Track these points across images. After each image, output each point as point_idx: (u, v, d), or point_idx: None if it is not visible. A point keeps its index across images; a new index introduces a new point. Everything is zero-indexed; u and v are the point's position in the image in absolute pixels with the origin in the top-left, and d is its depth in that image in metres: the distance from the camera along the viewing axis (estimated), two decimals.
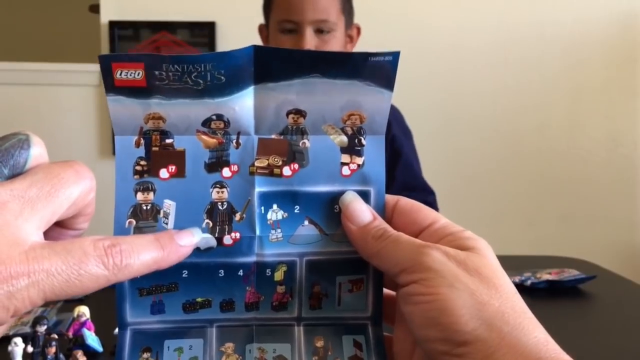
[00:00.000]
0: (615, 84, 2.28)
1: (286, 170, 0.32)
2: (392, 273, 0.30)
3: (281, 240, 0.32)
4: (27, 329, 0.76)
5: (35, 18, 3.84)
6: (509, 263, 1.28)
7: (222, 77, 0.31)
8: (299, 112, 0.32)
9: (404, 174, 1.28)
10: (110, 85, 0.31)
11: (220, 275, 0.32)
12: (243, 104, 0.32)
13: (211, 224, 0.32)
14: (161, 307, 0.32)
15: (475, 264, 0.29)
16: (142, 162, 0.32)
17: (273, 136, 0.32)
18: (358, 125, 0.33)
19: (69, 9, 3.74)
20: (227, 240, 0.32)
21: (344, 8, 1.22)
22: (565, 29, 2.25)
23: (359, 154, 0.33)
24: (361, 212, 0.32)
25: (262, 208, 0.32)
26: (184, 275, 0.32)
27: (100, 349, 0.71)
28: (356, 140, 0.33)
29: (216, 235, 0.32)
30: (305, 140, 0.33)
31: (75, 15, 3.65)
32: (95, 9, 2.42)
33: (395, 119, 1.32)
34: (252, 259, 0.32)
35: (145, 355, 0.32)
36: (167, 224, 0.32)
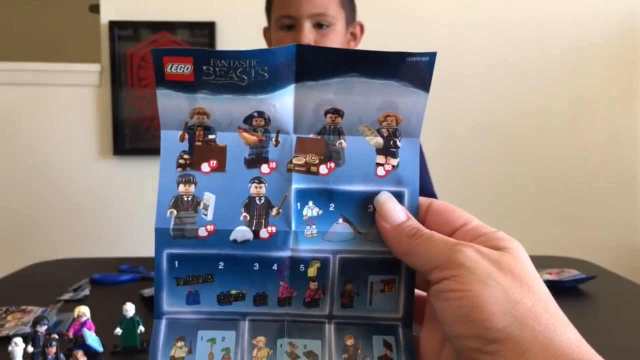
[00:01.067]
0: (615, 85, 2.28)
1: (322, 169, 0.33)
2: (425, 271, 0.30)
3: (316, 237, 0.33)
4: (27, 329, 0.76)
5: (35, 18, 3.84)
6: None
7: (266, 74, 0.32)
8: (337, 112, 0.33)
9: None
10: (161, 79, 0.32)
11: (255, 268, 0.33)
12: (283, 102, 0.33)
13: (248, 218, 0.33)
14: (196, 298, 0.33)
15: (508, 264, 0.29)
16: (185, 156, 0.33)
17: (311, 136, 0.33)
18: (394, 127, 0.34)
19: (69, 9, 3.74)
20: (264, 233, 0.33)
21: (342, 3, 1.21)
22: (565, 31, 2.25)
23: (394, 155, 0.34)
24: (395, 211, 0.32)
25: (299, 204, 0.33)
26: (219, 267, 0.33)
27: (100, 349, 0.71)
28: (391, 142, 0.34)
29: (253, 228, 0.33)
30: (342, 141, 0.34)
31: (75, 15, 3.65)
32: (95, 9, 2.42)
33: None
34: (286, 253, 0.33)
35: (179, 344, 0.32)
36: (206, 215, 0.33)
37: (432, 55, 0.33)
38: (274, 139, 0.33)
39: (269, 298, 0.33)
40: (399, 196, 0.33)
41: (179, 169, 0.33)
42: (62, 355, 0.65)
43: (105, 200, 2.22)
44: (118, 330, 0.71)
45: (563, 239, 2.23)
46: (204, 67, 0.32)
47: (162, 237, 0.33)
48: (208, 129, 0.33)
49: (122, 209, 2.22)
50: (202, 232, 0.33)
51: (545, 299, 0.29)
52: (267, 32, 1.30)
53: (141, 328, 0.72)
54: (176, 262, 0.33)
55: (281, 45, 1.33)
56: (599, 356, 0.28)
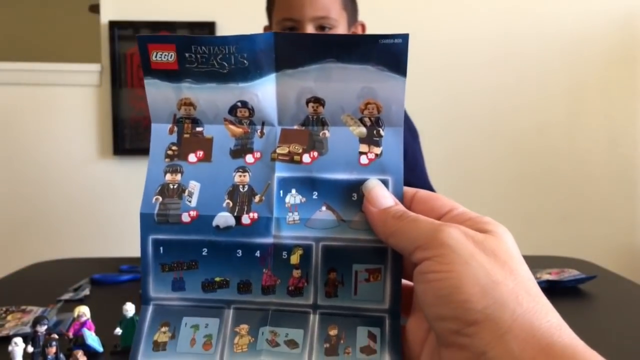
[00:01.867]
0: (615, 84, 2.28)
1: (306, 158, 0.34)
2: (409, 251, 0.30)
3: (298, 223, 0.33)
4: (27, 329, 0.76)
5: (35, 18, 3.84)
6: None
7: (245, 61, 0.33)
8: (318, 101, 0.34)
9: (408, 175, 1.28)
10: (147, 68, 0.34)
11: (238, 255, 0.33)
12: (266, 91, 0.34)
13: (231, 204, 0.33)
14: (182, 284, 0.33)
15: (492, 246, 0.29)
16: (174, 147, 0.35)
17: (295, 127, 0.34)
18: (376, 116, 0.34)
19: (69, 9, 3.74)
20: (245, 219, 0.33)
21: (345, 4, 1.21)
22: (565, 29, 2.25)
23: (378, 144, 0.34)
24: (383, 197, 0.32)
25: (281, 192, 0.34)
26: (203, 254, 0.33)
27: (100, 349, 0.71)
28: (375, 132, 0.34)
29: (235, 214, 0.33)
30: (326, 131, 0.34)
31: (75, 15, 3.65)
32: (95, 9, 2.42)
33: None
34: (269, 240, 0.33)
35: (163, 329, 0.33)
36: (190, 202, 0.34)
37: (405, 37, 0.32)
38: (259, 131, 0.34)
39: (253, 286, 0.33)
40: (383, 184, 0.33)
41: (166, 160, 0.35)
42: (62, 355, 0.65)
43: (105, 200, 2.22)
44: (118, 330, 0.72)
45: (563, 239, 2.23)
46: (187, 55, 0.33)
47: (147, 222, 0.33)
48: (196, 122, 0.34)
49: (122, 209, 2.22)
50: (185, 217, 0.33)
51: (527, 282, 0.28)
52: (267, 31, 1.30)
53: None
54: (161, 248, 0.33)
55: None
56: (579, 340, 0.27)
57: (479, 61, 2.24)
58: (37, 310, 0.85)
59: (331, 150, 0.34)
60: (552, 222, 2.27)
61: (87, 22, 3.18)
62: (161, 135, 0.35)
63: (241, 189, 0.34)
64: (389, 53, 0.33)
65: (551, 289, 0.98)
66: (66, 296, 0.95)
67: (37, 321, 0.67)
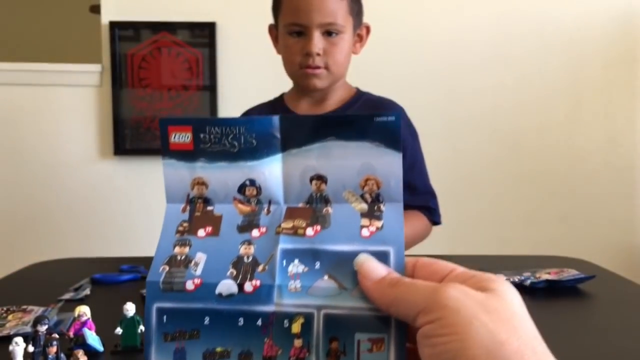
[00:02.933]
0: (615, 84, 2.28)
1: (309, 231, 0.35)
2: (411, 317, 0.30)
3: (299, 291, 0.34)
4: (28, 329, 0.76)
5: (36, 19, 3.85)
6: (509, 263, 1.27)
7: (254, 141, 0.36)
8: (321, 178, 0.36)
9: (407, 175, 1.27)
10: (167, 149, 0.36)
11: (239, 324, 0.34)
12: (272, 170, 0.36)
13: (235, 273, 0.35)
14: (183, 355, 0.34)
15: (494, 304, 0.28)
16: (185, 224, 0.37)
17: (300, 205, 0.36)
18: (376, 192, 0.35)
19: (69, 10, 3.74)
20: (248, 287, 0.34)
21: (352, 10, 1.22)
22: (564, 29, 2.25)
23: (379, 218, 0.35)
24: (375, 268, 0.33)
25: (284, 262, 0.35)
26: (205, 322, 0.34)
27: (101, 348, 0.71)
28: (375, 207, 0.35)
29: (238, 282, 0.34)
30: (329, 208, 0.36)
31: (76, 15, 3.65)
32: (96, 9, 2.43)
33: (402, 118, 1.32)
34: (270, 308, 0.33)
35: None
36: (195, 271, 0.35)
37: (397, 115, 0.35)
38: (265, 209, 0.36)
39: (254, 357, 0.33)
40: (384, 255, 0.33)
41: (177, 235, 0.36)
42: (62, 355, 0.65)
43: (105, 200, 2.23)
44: (118, 330, 0.72)
45: (562, 238, 2.24)
46: (201, 135, 0.36)
47: (153, 290, 0.34)
48: (207, 201, 0.37)
49: (122, 209, 2.22)
50: (189, 285, 0.34)
51: (532, 341, 0.28)
52: (272, 29, 1.30)
53: (142, 327, 0.72)
54: (164, 317, 0.34)
55: (291, 50, 1.32)
56: None
57: (479, 61, 2.24)
58: (37, 310, 0.85)
59: (334, 224, 0.35)
60: (551, 221, 2.27)
61: (87, 22, 3.19)
62: (174, 214, 0.37)
63: (245, 260, 0.35)
64: (384, 130, 0.35)
65: (550, 289, 0.98)
66: (67, 296, 0.96)
67: (37, 321, 0.67)
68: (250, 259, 0.35)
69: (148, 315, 0.34)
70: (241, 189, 0.36)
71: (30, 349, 0.65)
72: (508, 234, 2.17)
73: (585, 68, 2.26)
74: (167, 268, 0.35)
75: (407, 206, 1.05)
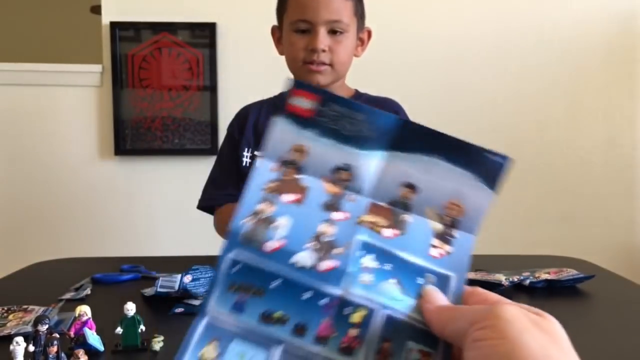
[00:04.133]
0: (614, 84, 2.28)
1: (388, 232, 0.36)
2: (464, 330, 0.30)
3: (369, 285, 0.35)
4: (28, 328, 0.76)
5: (36, 19, 3.85)
6: (509, 263, 1.27)
7: (368, 132, 0.37)
8: (412, 187, 0.37)
9: None
10: (284, 108, 0.37)
11: (304, 297, 0.34)
12: (371, 164, 0.37)
13: (316, 247, 0.35)
14: (241, 307, 0.34)
15: (547, 326, 0.29)
16: (271, 184, 0.37)
17: (383, 204, 0.37)
18: (456, 217, 0.36)
19: (70, 10, 3.75)
20: (323, 265, 0.35)
21: (356, 11, 1.24)
22: (564, 30, 2.25)
23: (449, 243, 0.36)
24: (440, 299, 0.34)
25: (358, 252, 0.36)
26: (272, 285, 0.34)
27: (101, 348, 0.71)
28: (449, 231, 0.37)
29: (315, 257, 0.35)
30: (409, 217, 0.37)
31: (76, 16, 3.65)
32: (96, 9, 2.43)
33: (400, 114, 1.33)
34: (338, 291, 0.34)
35: (212, 346, 0.33)
36: (275, 234, 0.36)
37: (506, 159, 0.36)
38: (351, 196, 0.37)
39: (308, 332, 0.33)
40: (447, 279, 0.35)
41: (263, 191, 0.37)
42: (63, 354, 0.65)
43: (106, 200, 2.23)
44: (119, 330, 0.72)
45: (561, 238, 2.24)
46: (323, 108, 0.37)
47: (233, 238, 0.35)
48: (299, 169, 0.37)
49: (123, 209, 2.23)
50: (269, 245, 0.35)
51: None
52: (275, 31, 1.31)
53: (142, 327, 0.72)
54: (235, 267, 0.34)
55: (295, 46, 1.32)
56: None
57: (478, 60, 2.24)
58: (38, 310, 0.85)
59: (409, 233, 0.36)
60: (551, 221, 2.27)
61: (88, 23, 3.19)
62: (265, 170, 0.37)
63: (325, 238, 0.36)
64: (488, 166, 0.37)
65: (550, 289, 0.98)
66: (67, 295, 0.96)
67: (38, 320, 0.67)
68: (329, 238, 0.35)
69: (220, 261, 0.35)
70: (335, 170, 0.37)
71: (31, 348, 0.65)
72: (507, 234, 2.17)
73: (584, 68, 2.26)
74: (250, 222, 0.35)
75: None
